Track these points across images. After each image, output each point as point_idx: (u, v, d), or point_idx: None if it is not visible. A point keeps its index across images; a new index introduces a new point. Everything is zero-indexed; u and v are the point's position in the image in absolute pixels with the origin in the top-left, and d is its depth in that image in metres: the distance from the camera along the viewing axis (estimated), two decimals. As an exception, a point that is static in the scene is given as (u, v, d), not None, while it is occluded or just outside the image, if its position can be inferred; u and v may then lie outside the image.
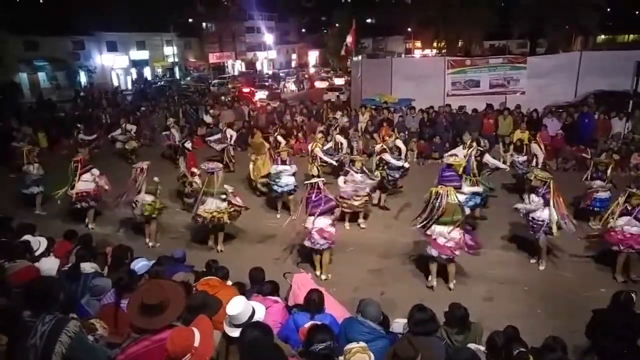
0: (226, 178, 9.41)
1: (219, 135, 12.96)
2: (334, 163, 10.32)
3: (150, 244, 8.04)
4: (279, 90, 33.23)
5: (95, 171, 8.86)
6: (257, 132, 11.63)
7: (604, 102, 14.21)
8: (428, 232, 6.29)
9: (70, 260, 5.12)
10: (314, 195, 6.69)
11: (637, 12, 49.14)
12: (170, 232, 8.70)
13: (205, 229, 7.90)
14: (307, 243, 6.73)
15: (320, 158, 9.77)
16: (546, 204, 6.58)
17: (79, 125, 13.38)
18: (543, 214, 6.61)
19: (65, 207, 9.18)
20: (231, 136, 12.74)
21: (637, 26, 47.55)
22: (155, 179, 8.06)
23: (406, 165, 9.42)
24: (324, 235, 6.58)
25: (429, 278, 6.55)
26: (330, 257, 7.00)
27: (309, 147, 10.32)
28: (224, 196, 7.61)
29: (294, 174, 9.20)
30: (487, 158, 8.74)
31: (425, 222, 6.25)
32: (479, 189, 7.71)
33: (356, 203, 8.40)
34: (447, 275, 6.43)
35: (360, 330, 3.45)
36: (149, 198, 7.90)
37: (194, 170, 8.90)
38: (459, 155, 7.71)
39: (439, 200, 6.13)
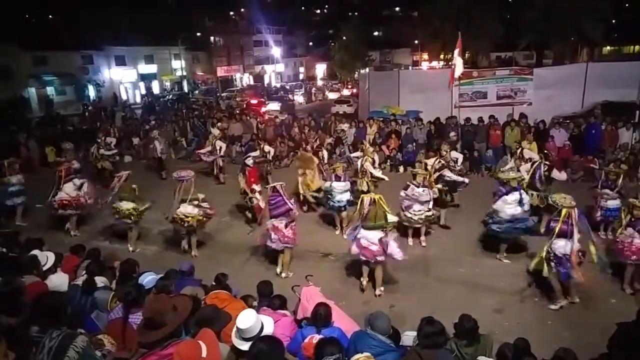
0: (217, 189, 10.97)
1: (209, 148, 13.19)
2: (385, 179, 9.79)
3: (130, 248, 8.48)
4: (292, 102, 33.36)
5: (77, 181, 9.30)
6: (306, 147, 11.71)
7: (611, 113, 14.17)
8: (358, 236, 6.55)
9: (78, 274, 5.15)
10: (273, 199, 7.11)
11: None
12: (179, 245, 8.73)
13: (178, 233, 8.28)
14: (268, 243, 7.18)
15: (371, 173, 9.47)
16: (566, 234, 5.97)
17: (98, 140, 13.56)
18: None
19: (47, 217, 9.65)
20: (220, 148, 13.06)
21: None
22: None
23: (466, 181, 9.04)
24: (279, 235, 6.99)
25: (361, 279, 6.79)
26: (291, 257, 7.37)
27: (359, 162, 9.88)
28: (196, 202, 8.01)
29: (348, 190, 8.87)
30: (555, 173, 8.55)
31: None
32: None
33: (415, 218, 8.03)
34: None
35: (369, 344, 3.42)
36: (130, 205, 8.34)
37: (254, 187, 9.10)
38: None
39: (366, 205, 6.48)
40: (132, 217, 8.35)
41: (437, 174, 8.74)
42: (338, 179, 8.79)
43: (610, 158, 11.59)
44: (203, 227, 8.37)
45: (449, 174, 8.73)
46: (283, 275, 7.21)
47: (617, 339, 4.21)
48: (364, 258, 6.51)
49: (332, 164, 10.10)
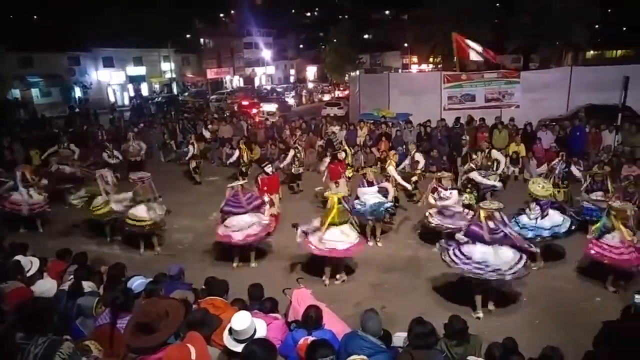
0: (175, 191, 11.14)
1: (189, 148, 13.35)
2: (409, 187, 9.58)
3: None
4: (289, 103, 33.44)
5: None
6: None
7: (594, 116, 14.42)
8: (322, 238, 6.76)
9: (64, 279, 5.08)
10: (234, 198, 7.43)
11: (624, 29, 50.21)
12: (168, 249, 8.69)
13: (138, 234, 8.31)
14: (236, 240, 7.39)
15: (395, 179, 9.10)
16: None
17: (108, 145, 13.41)
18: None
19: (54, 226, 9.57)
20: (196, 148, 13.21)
21: (625, 42, 48.65)
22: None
23: (498, 185, 8.81)
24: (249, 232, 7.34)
25: (323, 277, 7.06)
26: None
27: (385, 166, 9.57)
28: (153, 203, 8.15)
29: (385, 196, 8.35)
30: (574, 170, 8.85)
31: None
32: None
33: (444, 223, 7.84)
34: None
35: (360, 345, 3.43)
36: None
37: (265, 197, 8.60)
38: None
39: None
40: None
41: (465, 176, 8.78)
42: (370, 184, 8.40)
43: (594, 160, 11.78)
44: (160, 228, 8.47)
45: (476, 177, 8.73)
46: (253, 265, 7.70)
47: (602, 337, 4.29)
48: (325, 256, 6.77)
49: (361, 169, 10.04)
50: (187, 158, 13.17)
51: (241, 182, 7.78)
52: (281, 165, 11.65)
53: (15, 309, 3.28)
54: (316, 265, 7.45)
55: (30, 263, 5.02)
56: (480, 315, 6.00)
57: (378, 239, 8.51)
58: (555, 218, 7.21)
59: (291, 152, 11.76)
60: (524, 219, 7.28)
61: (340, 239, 6.74)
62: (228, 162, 13.09)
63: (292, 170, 11.88)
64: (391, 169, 9.23)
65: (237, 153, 12.25)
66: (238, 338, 3.08)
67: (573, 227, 7.24)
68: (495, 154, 9.63)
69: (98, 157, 13.44)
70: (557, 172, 8.80)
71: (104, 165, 11.54)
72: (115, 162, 12.48)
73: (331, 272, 7.07)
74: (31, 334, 2.89)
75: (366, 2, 66.92)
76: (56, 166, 11.38)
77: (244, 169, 12.17)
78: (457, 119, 14.97)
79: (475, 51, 17.05)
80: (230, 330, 3.17)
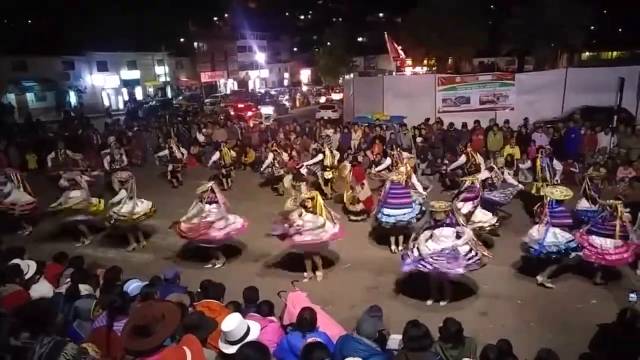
0: (171, 193, 11.44)
1: (166, 152, 13.47)
2: (423, 193, 9.14)
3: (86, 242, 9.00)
4: (285, 106, 33.59)
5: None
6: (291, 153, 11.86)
7: (590, 117, 14.49)
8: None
9: (61, 282, 5.09)
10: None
11: (620, 30, 50.69)
12: (164, 253, 8.66)
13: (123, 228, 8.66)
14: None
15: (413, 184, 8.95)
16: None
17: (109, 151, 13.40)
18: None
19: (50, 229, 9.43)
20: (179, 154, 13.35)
21: (621, 43, 49.10)
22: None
23: (521, 186, 8.77)
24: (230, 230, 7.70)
25: (306, 273, 7.33)
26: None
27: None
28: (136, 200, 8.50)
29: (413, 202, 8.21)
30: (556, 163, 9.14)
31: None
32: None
33: (485, 226, 7.79)
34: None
35: (355, 348, 3.45)
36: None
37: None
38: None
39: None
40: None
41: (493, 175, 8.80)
42: None
43: (590, 162, 11.85)
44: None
45: (507, 177, 8.87)
46: (218, 265, 7.90)
47: (598, 340, 4.31)
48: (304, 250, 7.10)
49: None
50: (164, 161, 13.44)
51: (209, 184, 8.04)
52: (261, 169, 12.17)
53: (13, 312, 3.29)
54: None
55: (27, 266, 5.01)
56: (429, 302, 6.40)
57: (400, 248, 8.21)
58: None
59: (270, 156, 11.96)
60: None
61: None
62: (209, 162, 13.16)
63: (274, 173, 11.93)
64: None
65: (217, 154, 12.67)
66: (227, 339, 3.09)
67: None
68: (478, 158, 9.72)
69: (93, 161, 13.39)
70: (545, 167, 9.09)
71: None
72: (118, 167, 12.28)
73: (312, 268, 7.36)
74: (36, 334, 2.94)
75: (360, 5, 67.19)
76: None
77: (225, 171, 12.78)
78: (451, 123, 15.09)
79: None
80: (222, 332, 3.19)
